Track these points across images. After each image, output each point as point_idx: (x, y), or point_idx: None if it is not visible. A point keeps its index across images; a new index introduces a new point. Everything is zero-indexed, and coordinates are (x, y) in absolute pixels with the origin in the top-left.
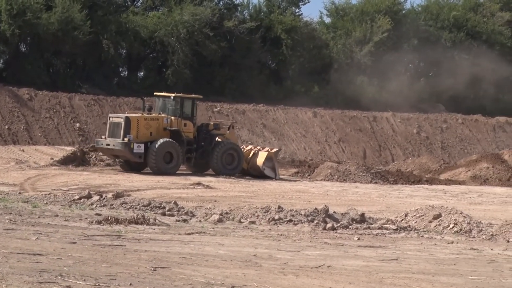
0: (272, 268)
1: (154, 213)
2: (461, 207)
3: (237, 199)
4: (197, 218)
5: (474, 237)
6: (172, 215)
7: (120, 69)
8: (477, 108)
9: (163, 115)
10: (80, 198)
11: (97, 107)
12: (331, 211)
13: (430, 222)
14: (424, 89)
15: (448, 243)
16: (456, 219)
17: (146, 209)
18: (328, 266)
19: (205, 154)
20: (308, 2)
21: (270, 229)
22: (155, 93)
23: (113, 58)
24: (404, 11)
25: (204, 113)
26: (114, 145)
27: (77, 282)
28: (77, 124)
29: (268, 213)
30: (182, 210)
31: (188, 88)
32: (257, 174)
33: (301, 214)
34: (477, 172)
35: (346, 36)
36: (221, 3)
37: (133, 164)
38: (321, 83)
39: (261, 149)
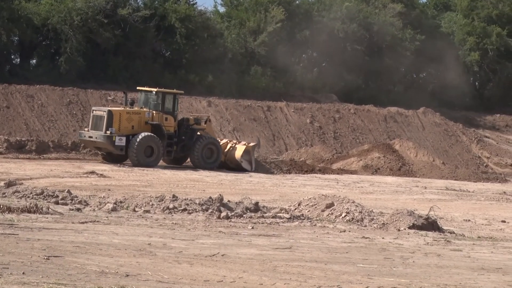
0: (166, 257)
1: (47, 202)
2: (353, 196)
3: (131, 188)
4: (91, 207)
5: (365, 226)
6: (66, 204)
7: (12, 57)
8: (368, 99)
9: (145, 109)
10: None
11: None
12: (225, 200)
13: (323, 211)
14: (317, 79)
15: (340, 231)
16: (348, 208)
17: (39, 197)
18: (223, 255)
19: (186, 148)
20: None
21: (164, 218)
22: (137, 88)
23: (5, 45)
24: (297, 2)
25: (98, 102)
26: (96, 138)
27: None
28: None
29: (163, 202)
30: (75, 199)
31: (81, 76)
32: (234, 166)
33: (196, 203)
34: (369, 161)
35: (240, 26)
36: None
37: (114, 156)
38: (216, 72)
39: (237, 143)
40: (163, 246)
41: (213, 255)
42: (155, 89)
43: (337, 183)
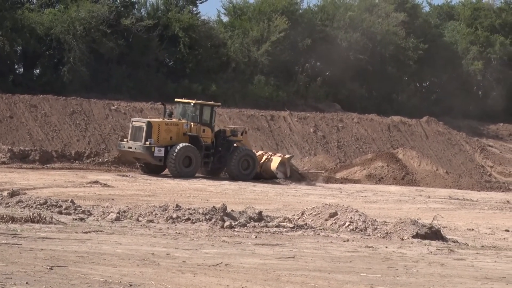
0: (170, 267)
1: (51, 211)
2: (356, 206)
3: (134, 197)
4: (94, 216)
5: (369, 235)
6: (69, 214)
7: (16, 66)
8: (372, 108)
9: (183, 121)
10: None
11: None
12: (228, 210)
13: (326, 220)
14: (321, 88)
15: (344, 241)
16: (351, 217)
17: (43, 207)
18: (226, 264)
19: (222, 159)
20: (206, 0)
21: (168, 227)
22: (175, 100)
23: (8, 55)
24: (300, 11)
25: (102, 112)
26: (135, 148)
27: None
28: None
29: (166, 211)
30: (79, 208)
31: (84, 86)
32: (269, 177)
33: (199, 213)
34: (372, 171)
35: (244, 35)
36: (118, 1)
37: (152, 167)
38: (219, 82)
39: (273, 154)
40: (167, 256)
41: (217, 265)
42: (193, 101)
43: (341, 192)
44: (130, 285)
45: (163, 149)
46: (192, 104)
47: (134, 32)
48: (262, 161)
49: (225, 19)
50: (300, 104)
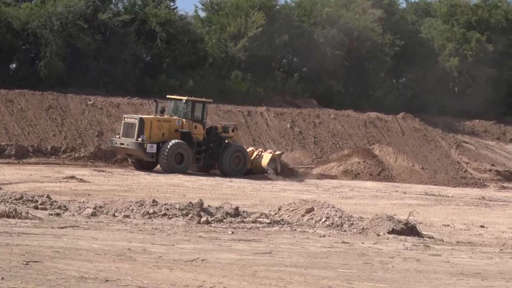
0: (146, 262)
1: (27, 206)
2: (333, 201)
3: (111, 193)
4: (70, 212)
5: (345, 231)
6: (45, 209)
7: None
8: (348, 104)
9: (175, 117)
10: None
11: None
12: (205, 205)
13: (303, 216)
14: (298, 84)
15: (320, 236)
16: (328, 213)
17: (18, 202)
18: (202, 260)
19: (214, 155)
20: None
21: (144, 223)
22: (167, 96)
23: None
24: (278, 7)
25: (78, 107)
26: (128, 145)
27: None
28: None
29: (143, 207)
30: (55, 203)
31: (61, 81)
32: (259, 173)
33: (176, 208)
34: (349, 166)
35: (221, 31)
36: None
37: (144, 163)
38: (196, 77)
39: (263, 151)
40: (143, 251)
41: (193, 260)
42: (185, 98)
43: (317, 188)
44: (106, 281)
45: (155, 146)
46: (184, 101)
47: (111, 27)
48: (253, 158)
49: (202, 14)
50: (277, 100)
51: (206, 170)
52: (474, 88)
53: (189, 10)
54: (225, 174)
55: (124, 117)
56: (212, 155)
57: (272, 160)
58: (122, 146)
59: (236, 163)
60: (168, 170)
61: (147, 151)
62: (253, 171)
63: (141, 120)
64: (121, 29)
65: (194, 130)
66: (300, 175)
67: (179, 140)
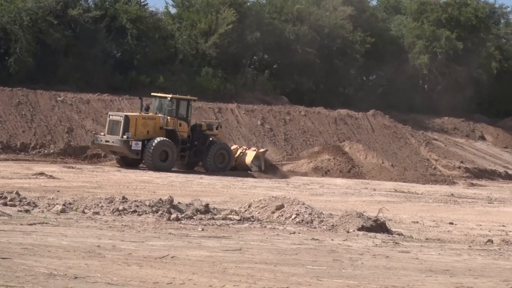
0: (115, 259)
1: None
2: (303, 198)
3: (80, 189)
4: (39, 208)
5: (315, 228)
6: (14, 205)
7: None
8: (319, 101)
9: (159, 115)
10: None
11: None
12: (175, 202)
13: (273, 212)
14: (268, 81)
15: (290, 233)
16: (298, 210)
17: None
18: (172, 257)
19: (198, 153)
20: None
21: (114, 219)
22: (152, 94)
23: None
24: (249, 4)
25: (48, 103)
26: (113, 142)
27: None
28: None
29: (112, 203)
30: (24, 200)
31: (31, 77)
32: (243, 170)
33: (146, 205)
34: (319, 163)
35: (192, 27)
36: None
37: (129, 160)
38: (166, 73)
39: (247, 148)
40: (113, 248)
41: (163, 257)
42: (170, 95)
43: (287, 185)
44: (76, 278)
45: (140, 143)
46: (169, 99)
47: (81, 23)
48: (237, 155)
49: (173, 10)
50: (248, 97)
51: (190, 167)
52: (444, 86)
53: (159, 7)
54: (209, 171)
55: (109, 115)
56: (196, 152)
57: (256, 157)
58: (107, 143)
59: (220, 161)
60: (153, 167)
61: (132, 148)
62: (237, 169)
63: (126, 118)
64: (91, 25)
65: (178, 127)
66: (284, 172)
67: (164, 138)
